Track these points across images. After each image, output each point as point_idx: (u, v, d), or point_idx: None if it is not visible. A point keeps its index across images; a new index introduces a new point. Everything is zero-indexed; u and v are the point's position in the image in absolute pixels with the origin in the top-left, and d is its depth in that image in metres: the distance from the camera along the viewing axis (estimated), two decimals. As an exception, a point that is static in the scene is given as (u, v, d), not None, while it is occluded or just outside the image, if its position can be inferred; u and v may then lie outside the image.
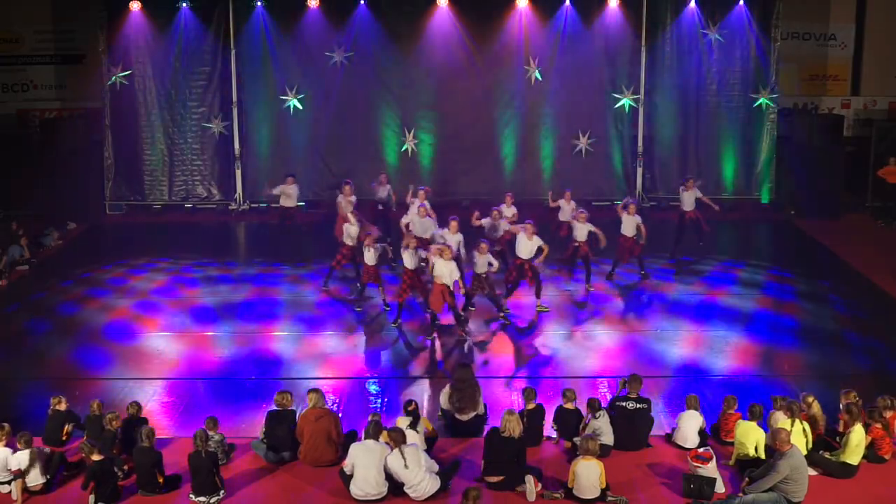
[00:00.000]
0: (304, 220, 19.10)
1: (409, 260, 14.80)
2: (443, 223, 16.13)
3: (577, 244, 16.54)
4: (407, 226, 16.49)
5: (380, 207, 19.00)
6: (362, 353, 14.50)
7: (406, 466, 10.02)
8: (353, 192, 17.94)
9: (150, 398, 12.72)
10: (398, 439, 10.16)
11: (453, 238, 15.54)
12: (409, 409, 11.12)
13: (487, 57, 22.66)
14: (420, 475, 10.04)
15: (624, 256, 17.33)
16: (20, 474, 10.20)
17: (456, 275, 14.35)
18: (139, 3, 22.09)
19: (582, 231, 16.47)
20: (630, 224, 17.04)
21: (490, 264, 14.91)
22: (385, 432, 10.35)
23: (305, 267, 18.39)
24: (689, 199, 18.57)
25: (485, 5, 22.53)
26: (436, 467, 10.27)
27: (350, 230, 16.28)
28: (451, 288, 14.38)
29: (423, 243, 15.67)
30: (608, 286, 17.26)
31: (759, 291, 17.13)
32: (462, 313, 14.95)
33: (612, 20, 22.52)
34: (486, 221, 16.50)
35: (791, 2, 22.89)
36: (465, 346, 14.56)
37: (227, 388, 13.20)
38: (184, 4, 22.11)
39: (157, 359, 14.21)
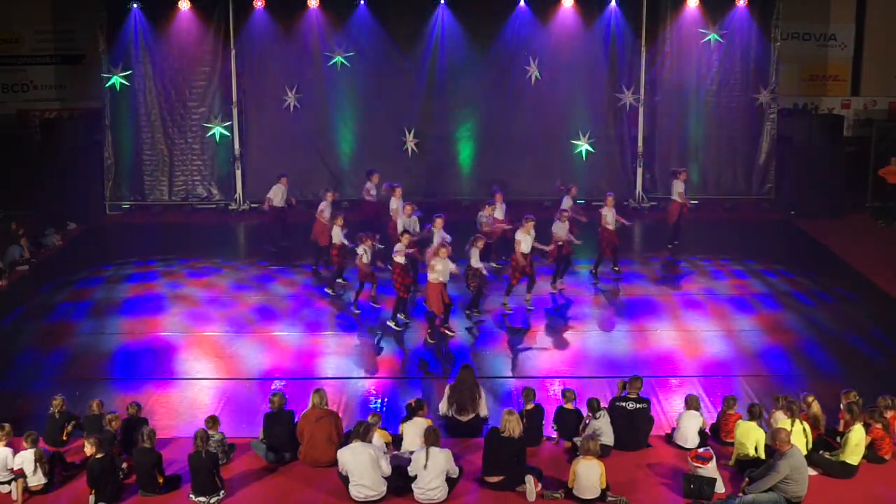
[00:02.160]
0: (295, 220, 19.16)
1: (402, 259, 14.90)
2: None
3: (559, 243, 16.45)
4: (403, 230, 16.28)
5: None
6: (362, 354, 14.48)
7: (425, 467, 10.01)
8: (335, 196, 18.07)
9: (151, 398, 12.72)
10: (432, 439, 10.15)
11: (438, 235, 15.57)
12: (411, 405, 11.15)
13: (487, 57, 22.67)
14: (436, 482, 10.03)
15: (605, 251, 17.32)
16: (21, 474, 10.20)
17: (452, 266, 14.45)
18: (139, 3, 22.12)
19: (562, 229, 16.44)
20: (609, 217, 17.06)
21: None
22: (429, 431, 10.29)
23: (303, 266, 18.39)
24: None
25: (485, 5, 22.54)
26: (456, 472, 10.26)
27: (337, 232, 16.36)
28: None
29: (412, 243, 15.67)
30: (611, 284, 17.31)
31: (758, 291, 17.10)
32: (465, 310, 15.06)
33: (612, 20, 22.52)
34: (481, 214, 16.83)
35: (791, 2, 22.89)
36: (448, 344, 14.62)
37: (228, 388, 13.20)
38: (184, 5, 22.12)
39: (157, 359, 14.20)
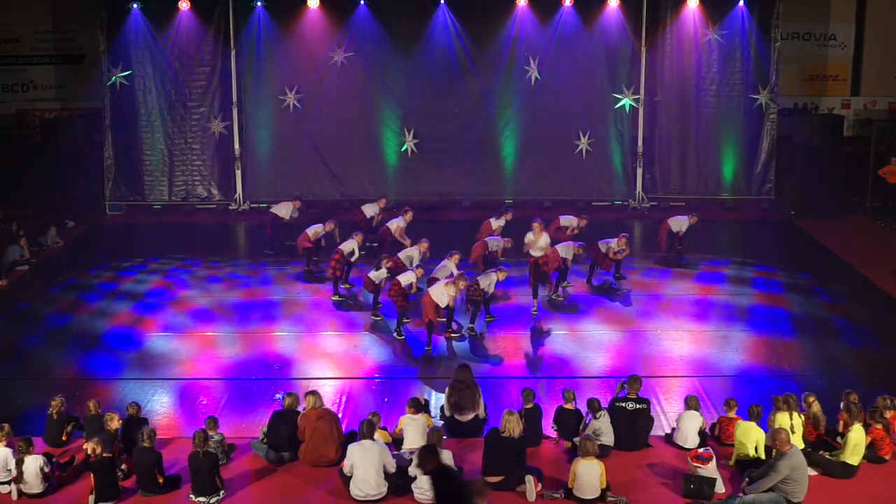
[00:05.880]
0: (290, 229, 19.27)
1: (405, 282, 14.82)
2: (442, 230, 16.16)
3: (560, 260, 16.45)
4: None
5: (373, 224, 18.97)
6: (362, 353, 14.48)
7: None
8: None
9: (150, 398, 12.72)
10: (435, 440, 10.13)
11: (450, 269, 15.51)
12: (410, 404, 11.16)
13: (487, 57, 22.67)
14: None
15: (604, 262, 17.09)
16: (19, 478, 10.18)
17: (452, 302, 14.29)
18: (139, 3, 22.11)
19: (567, 250, 16.42)
20: (612, 248, 16.85)
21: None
22: (433, 432, 10.33)
23: (303, 267, 18.39)
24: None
25: (485, 5, 22.55)
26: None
27: (349, 245, 16.48)
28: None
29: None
30: (612, 286, 17.31)
31: (759, 291, 17.11)
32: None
33: (611, 20, 22.51)
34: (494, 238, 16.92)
35: (791, 2, 22.87)
36: (454, 344, 14.58)
37: (227, 388, 13.20)
38: (184, 5, 22.11)
39: (157, 359, 14.19)
